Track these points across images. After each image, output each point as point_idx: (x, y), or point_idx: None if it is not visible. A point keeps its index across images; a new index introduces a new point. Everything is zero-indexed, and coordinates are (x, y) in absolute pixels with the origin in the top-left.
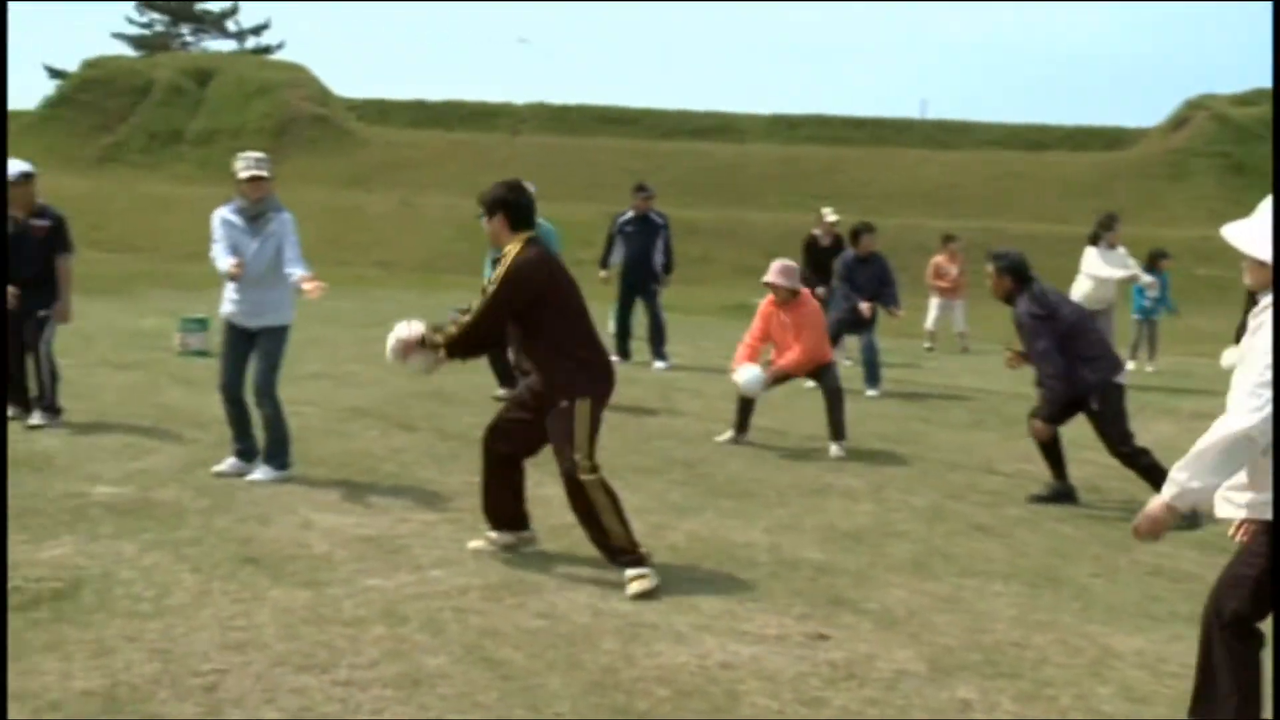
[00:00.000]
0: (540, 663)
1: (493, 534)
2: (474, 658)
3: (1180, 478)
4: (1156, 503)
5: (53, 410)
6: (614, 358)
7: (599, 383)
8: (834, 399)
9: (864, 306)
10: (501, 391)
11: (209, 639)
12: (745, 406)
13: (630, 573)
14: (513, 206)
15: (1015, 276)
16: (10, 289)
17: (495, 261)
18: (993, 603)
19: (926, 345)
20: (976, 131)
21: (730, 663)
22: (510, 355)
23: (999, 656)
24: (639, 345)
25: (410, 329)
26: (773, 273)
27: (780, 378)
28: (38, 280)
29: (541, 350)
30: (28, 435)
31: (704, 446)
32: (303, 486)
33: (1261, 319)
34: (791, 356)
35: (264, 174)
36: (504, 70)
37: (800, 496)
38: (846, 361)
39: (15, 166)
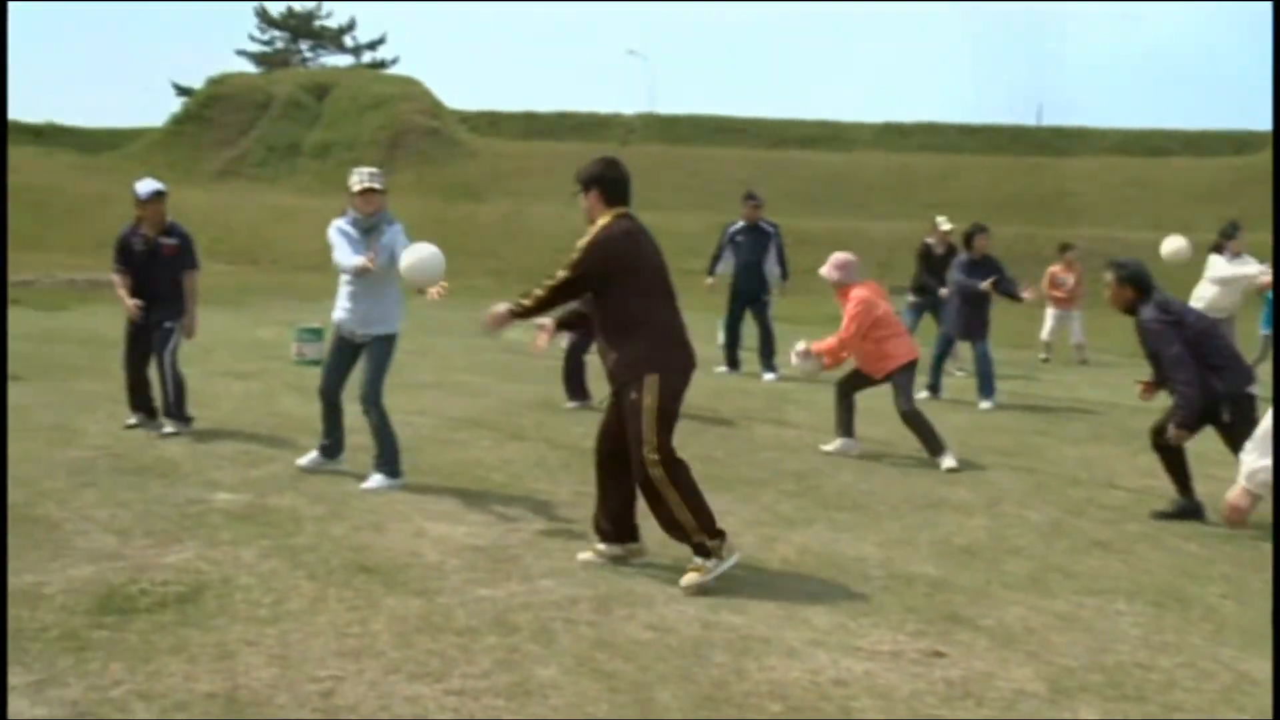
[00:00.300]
0: (651, 675)
1: (601, 546)
2: (585, 669)
3: (1249, 459)
4: (1234, 490)
5: (183, 418)
6: (723, 368)
7: (671, 363)
8: (909, 422)
9: (984, 285)
10: (570, 404)
11: (325, 645)
12: (844, 409)
13: (693, 562)
14: (607, 182)
15: (1136, 286)
16: (133, 301)
17: None
18: (1115, 622)
19: (1042, 357)
20: (1094, 137)
21: (843, 679)
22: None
23: (1123, 678)
24: (749, 357)
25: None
26: (826, 265)
27: (824, 360)
28: (165, 295)
29: (613, 326)
30: (155, 442)
31: (814, 458)
32: (415, 495)
33: None
34: (828, 340)
35: (377, 187)
36: (613, 81)
37: (913, 510)
38: (959, 373)
39: (148, 185)
